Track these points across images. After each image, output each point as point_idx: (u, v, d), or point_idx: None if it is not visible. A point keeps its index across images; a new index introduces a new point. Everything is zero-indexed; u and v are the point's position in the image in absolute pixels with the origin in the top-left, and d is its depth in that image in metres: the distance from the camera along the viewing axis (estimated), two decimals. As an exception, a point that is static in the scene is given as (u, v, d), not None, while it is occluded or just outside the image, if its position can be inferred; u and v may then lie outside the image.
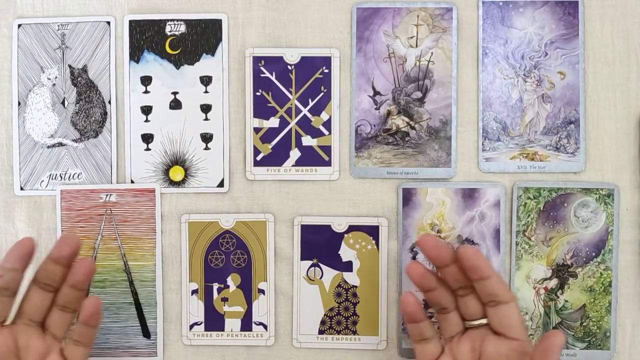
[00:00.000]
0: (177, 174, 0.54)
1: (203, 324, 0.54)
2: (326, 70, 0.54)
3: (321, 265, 0.54)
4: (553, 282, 0.53)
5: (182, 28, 0.54)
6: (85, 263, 0.47)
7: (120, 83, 0.55)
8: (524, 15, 0.53)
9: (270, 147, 0.54)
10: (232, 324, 0.54)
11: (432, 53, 0.54)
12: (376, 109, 0.54)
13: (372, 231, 0.54)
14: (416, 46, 0.54)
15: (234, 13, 0.54)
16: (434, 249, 0.45)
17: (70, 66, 0.55)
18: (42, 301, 0.47)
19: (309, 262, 0.54)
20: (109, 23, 0.55)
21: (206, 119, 0.54)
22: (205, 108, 0.54)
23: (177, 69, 0.54)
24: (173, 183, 0.54)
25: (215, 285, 0.54)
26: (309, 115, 0.54)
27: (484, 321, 0.45)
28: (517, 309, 0.44)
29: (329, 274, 0.54)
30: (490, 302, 0.44)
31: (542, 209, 0.53)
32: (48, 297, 0.47)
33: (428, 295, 0.46)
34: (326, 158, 0.54)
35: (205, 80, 0.54)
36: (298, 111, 0.54)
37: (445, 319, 0.47)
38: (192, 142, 0.54)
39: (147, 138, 0.55)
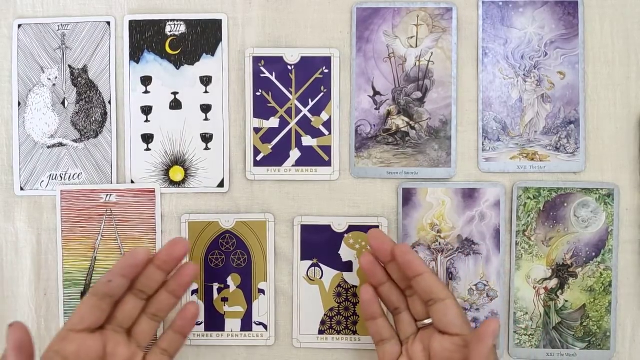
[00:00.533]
0: (177, 174, 0.55)
1: (203, 324, 0.54)
2: (326, 70, 0.54)
3: (321, 265, 0.54)
4: (553, 282, 0.53)
5: (182, 28, 0.54)
6: (191, 266, 0.48)
7: (121, 83, 0.55)
8: (524, 15, 0.53)
9: (270, 147, 0.54)
10: (232, 324, 0.54)
11: (432, 53, 0.54)
12: (376, 109, 0.54)
13: (372, 231, 0.54)
14: (416, 46, 0.54)
15: (234, 13, 0.54)
16: (377, 242, 0.47)
17: (70, 66, 0.55)
18: (134, 309, 0.47)
19: (309, 262, 0.54)
20: (109, 23, 0.55)
21: (206, 119, 0.54)
22: (205, 108, 0.54)
23: (177, 69, 0.54)
24: (173, 183, 0.54)
25: (216, 286, 0.54)
26: (309, 115, 0.54)
27: (430, 321, 0.47)
28: (454, 306, 0.45)
29: (329, 274, 0.54)
30: (429, 301, 0.46)
31: (542, 209, 0.53)
32: (140, 304, 0.47)
33: (379, 291, 0.48)
34: (326, 158, 0.54)
35: (205, 81, 0.54)
36: (298, 111, 0.54)
37: (399, 320, 0.49)
38: (192, 142, 0.54)
39: (147, 138, 0.55)
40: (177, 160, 0.55)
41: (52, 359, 0.44)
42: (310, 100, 0.54)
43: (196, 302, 0.49)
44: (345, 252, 0.54)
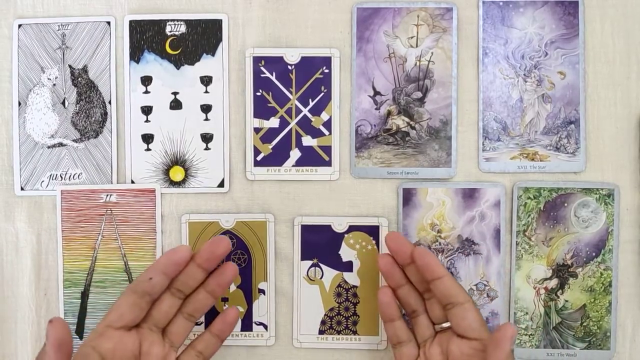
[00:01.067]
0: (177, 174, 0.54)
1: (203, 324, 0.54)
2: (326, 70, 0.54)
3: (321, 265, 0.54)
4: (553, 282, 0.53)
5: (182, 28, 0.54)
6: (232, 265, 0.48)
7: (121, 83, 0.55)
8: (524, 15, 0.53)
9: (270, 147, 0.54)
10: (233, 324, 0.54)
11: (432, 53, 0.54)
12: (376, 109, 0.54)
13: (372, 231, 0.54)
14: (416, 46, 0.54)
15: (234, 13, 0.54)
16: (395, 245, 0.47)
17: (70, 66, 0.55)
18: (171, 308, 0.47)
19: (309, 262, 0.54)
20: (109, 23, 0.55)
21: (206, 119, 0.54)
22: (206, 108, 0.54)
23: (177, 69, 0.54)
24: (173, 183, 0.54)
25: (216, 285, 0.54)
26: (309, 115, 0.54)
27: (448, 324, 0.47)
28: (473, 310, 0.45)
29: (329, 274, 0.54)
30: (448, 305, 0.46)
31: (542, 209, 0.53)
32: (176, 304, 0.47)
33: (397, 293, 0.48)
34: (326, 158, 0.54)
35: (206, 80, 0.54)
36: (298, 111, 0.54)
37: (417, 323, 0.49)
38: (192, 142, 0.54)
39: (148, 138, 0.55)
40: (177, 160, 0.55)
41: (89, 355, 0.43)
42: (310, 100, 0.54)
43: (237, 308, 0.49)
44: (346, 252, 0.54)
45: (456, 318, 0.45)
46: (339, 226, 0.54)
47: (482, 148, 0.53)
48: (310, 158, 0.54)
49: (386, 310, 0.48)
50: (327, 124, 0.54)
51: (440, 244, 0.53)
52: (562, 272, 0.53)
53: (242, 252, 0.54)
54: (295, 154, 0.54)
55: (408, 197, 0.53)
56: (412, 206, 0.53)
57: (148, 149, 0.55)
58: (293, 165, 0.54)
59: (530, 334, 0.53)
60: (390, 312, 0.48)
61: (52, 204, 0.55)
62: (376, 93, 0.54)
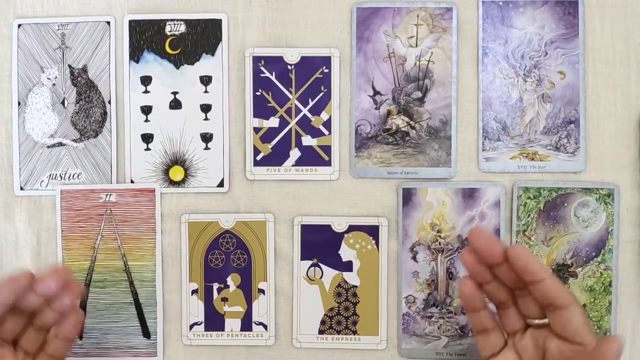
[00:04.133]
0: (177, 173, 0.54)
1: (203, 324, 0.54)
2: (326, 70, 0.54)
3: (321, 265, 0.54)
4: (553, 282, 0.53)
5: (182, 28, 0.54)
6: (75, 288, 0.45)
7: (120, 83, 0.55)
8: (524, 14, 0.53)
9: (270, 147, 0.54)
10: (232, 324, 0.54)
11: (432, 53, 0.54)
12: (376, 108, 0.54)
13: (372, 231, 0.54)
14: (416, 46, 0.54)
15: (234, 13, 0.54)
16: (483, 243, 0.42)
17: (70, 66, 0.55)
18: (17, 324, 0.46)
19: (309, 262, 0.54)
20: (108, 23, 0.55)
21: (206, 118, 0.54)
22: (205, 108, 0.54)
23: (177, 68, 0.54)
24: (173, 183, 0.54)
25: (215, 285, 0.54)
26: (309, 115, 0.54)
27: (545, 321, 0.43)
28: (578, 311, 0.41)
29: (329, 274, 0.54)
30: (549, 307, 0.42)
31: (542, 208, 0.53)
32: (24, 319, 0.46)
33: (484, 289, 0.44)
34: (326, 158, 0.54)
35: (205, 80, 0.54)
36: (298, 111, 0.54)
37: (505, 314, 0.45)
38: (192, 142, 0.54)
39: (147, 138, 0.55)
40: (177, 160, 0.54)
41: None
42: (310, 100, 0.54)
43: (81, 312, 0.47)
44: (345, 252, 0.54)
45: (560, 321, 0.41)
46: (339, 226, 0.54)
47: (482, 148, 0.53)
48: (310, 158, 0.54)
49: (470, 302, 0.44)
50: (327, 124, 0.54)
51: (440, 243, 0.53)
52: (562, 272, 0.53)
53: (242, 252, 0.54)
54: (295, 153, 0.54)
55: (408, 196, 0.53)
56: (412, 206, 0.53)
57: (148, 149, 0.54)
58: (293, 165, 0.54)
59: (530, 334, 0.53)
60: (474, 304, 0.44)
61: (52, 204, 0.55)
62: (376, 93, 0.54)
